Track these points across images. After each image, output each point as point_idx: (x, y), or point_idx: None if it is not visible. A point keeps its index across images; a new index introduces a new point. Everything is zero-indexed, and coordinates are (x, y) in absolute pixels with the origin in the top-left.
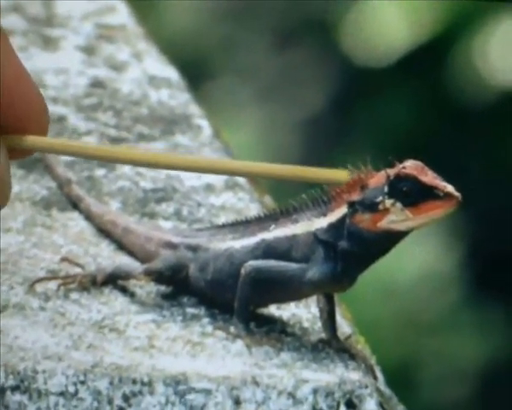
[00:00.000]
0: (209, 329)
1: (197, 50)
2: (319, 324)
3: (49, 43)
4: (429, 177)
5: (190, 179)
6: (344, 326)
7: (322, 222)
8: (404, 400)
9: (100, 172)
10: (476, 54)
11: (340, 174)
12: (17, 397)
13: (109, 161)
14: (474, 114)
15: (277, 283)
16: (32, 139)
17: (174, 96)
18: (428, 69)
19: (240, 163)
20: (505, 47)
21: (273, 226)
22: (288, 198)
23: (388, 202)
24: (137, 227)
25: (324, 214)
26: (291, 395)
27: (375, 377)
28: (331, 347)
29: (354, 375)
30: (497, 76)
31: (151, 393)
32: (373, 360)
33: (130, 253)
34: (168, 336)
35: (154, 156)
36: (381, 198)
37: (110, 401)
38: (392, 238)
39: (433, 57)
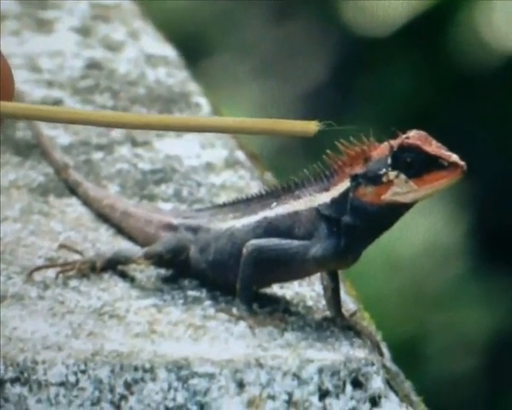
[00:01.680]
0: (211, 311)
1: (194, 27)
2: (323, 302)
3: (43, 26)
4: (433, 147)
5: (190, 159)
6: (349, 303)
7: (324, 197)
8: (411, 375)
9: (97, 155)
10: (479, 19)
11: (310, 125)
12: (17, 389)
13: (80, 123)
14: (478, 81)
15: (280, 261)
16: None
17: (172, 74)
18: (431, 37)
19: (210, 120)
20: (509, 11)
21: (275, 204)
22: (289, 174)
23: (392, 174)
24: (136, 210)
25: (327, 189)
26: (296, 376)
27: (381, 354)
28: (336, 325)
29: (360, 353)
30: (502, 41)
31: (153, 379)
32: (379, 337)
33: (130, 237)
34: (169, 320)
35: (113, 116)
36: (384, 170)
37: (112, 390)
38: (396, 211)
39: (436, 24)
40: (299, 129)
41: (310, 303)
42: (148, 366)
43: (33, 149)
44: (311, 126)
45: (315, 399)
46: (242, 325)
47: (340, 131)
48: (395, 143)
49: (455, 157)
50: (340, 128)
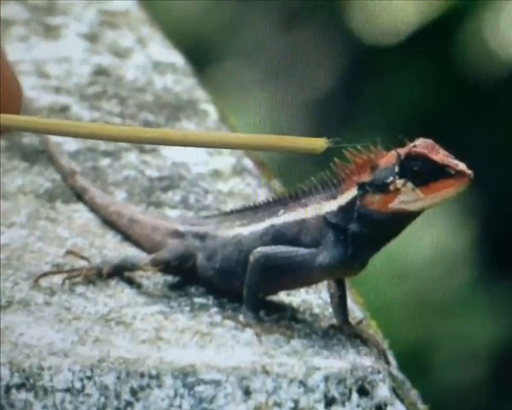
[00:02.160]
0: (218, 319)
1: (202, 34)
2: (330, 309)
3: (50, 32)
4: (440, 155)
5: (197, 166)
6: (355, 311)
7: (332, 205)
8: (418, 383)
9: (105, 161)
10: (486, 28)
11: (318, 142)
12: (23, 395)
13: (83, 137)
14: (485, 90)
15: (287, 269)
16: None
17: (179, 81)
18: (438, 45)
19: (214, 135)
20: None
21: (282, 211)
22: (296, 182)
23: (399, 183)
24: (143, 217)
25: (334, 197)
26: (302, 384)
27: (388, 362)
28: (342, 332)
29: (366, 361)
30: (508, 50)
31: (159, 386)
32: (385, 345)
33: (137, 243)
34: (176, 327)
35: (117, 130)
36: (391, 178)
37: (118, 396)
38: (403, 219)
39: (443, 33)
40: (306, 146)
41: (316, 311)
42: (154, 372)
43: (40, 155)
44: (319, 143)
45: (321, 406)
46: (249, 332)
47: (347, 140)
48: (402, 151)
49: (462, 166)
50: (349, 145)
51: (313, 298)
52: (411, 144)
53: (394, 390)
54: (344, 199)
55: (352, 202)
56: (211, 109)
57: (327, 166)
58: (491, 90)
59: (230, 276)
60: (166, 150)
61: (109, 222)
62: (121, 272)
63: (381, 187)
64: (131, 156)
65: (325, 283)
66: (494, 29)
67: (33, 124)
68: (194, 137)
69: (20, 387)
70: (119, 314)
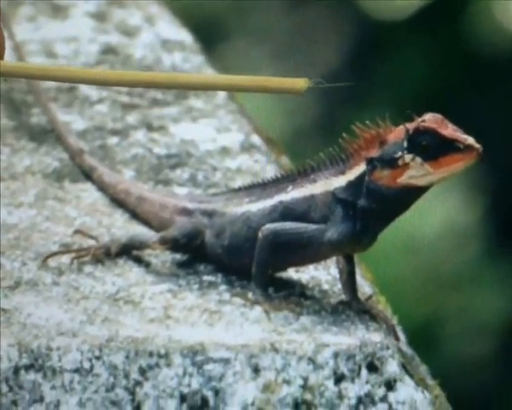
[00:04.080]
0: (226, 296)
1: (210, 12)
2: (339, 285)
3: (58, 12)
4: (449, 130)
5: (205, 143)
6: (364, 287)
7: (340, 181)
8: (427, 358)
9: (113, 140)
10: (495, 4)
11: (300, 83)
12: (31, 376)
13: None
14: (493, 65)
15: (296, 245)
16: None
17: (188, 59)
18: (447, 21)
19: (200, 76)
20: None
21: (290, 187)
22: (305, 158)
23: (408, 157)
24: (152, 195)
25: (343, 173)
26: (311, 361)
27: (397, 338)
28: (351, 308)
29: (375, 336)
30: None
31: (168, 365)
32: (394, 320)
33: (145, 222)
34: (185, 305)
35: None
36: (400, 153)
37: (126, 376)
38: (412, 194)
39: (451, 8)
40: (288, 86)
41: (325, 287)
42: (162, 351)
43: (48, 135)
44: (301, 83)
45: (330, 383)
46: (258, 309)
47: (356, 115)
48: (411, 126)
49: (471, 140)
50: (330, 86)
51: (322, 274)
52: (420, 119)
53: (403, 366)
54: (352, 174)
55: (361, 177)
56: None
57: (335, 142)
58: (499, 66)
59: (239, 253)
60: (174, 128)
61: (117, 201)
62: (129, 250)
63: (390, 162)
64: (139, 134)
65: (334, 259)
66: (502, 4)
67: (28, 70)
68: (180, 78)
69: (28, 368)
70: (128, 293)
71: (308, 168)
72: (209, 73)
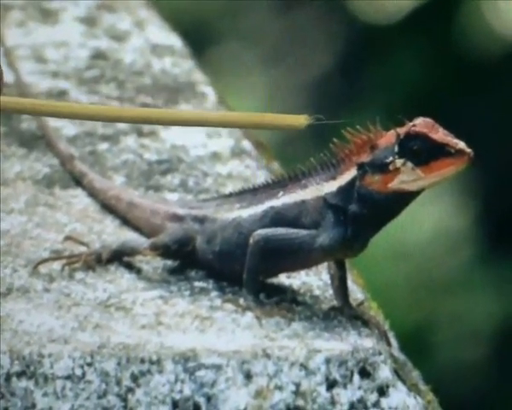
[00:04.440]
0: (218, 302)
1: (200, 16)
2: (330, 291)
3: (48, 17)
4: (440, 134)
5: (196, 149)
6: (356, 292)
7: (331, 186)
8: (419, 364)
9: (103, 146)
10: (486, 6)
11: (300, 119)
12: (23, 383)
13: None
14: (485, 68)
15: (287, 251)
16: None
17: (177, 63)
18: (438, 24)
19: (199, 114)
20: None
21: (281, 193)
22: (296, 163)
23: (399, 162)
24: (142, 201)
25: (334, 178)
26: (303, 366)
27: (389, 343)
28: (343, 314)
29: (367, 342)
30: (509, 28)
31: (160, 371)
32: (386, 326)
33: (136, 228)
34: (176, 311)
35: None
36: (391, 158)
37: (118, 382)
38: (403, 199)
39: (443, 11)
40: (288, 123)
41: (317, 293)
42: (154, 358)
43: (38, 141)
44: (301, 120)
45: (322, 389)
46: (249, 315)
47: (347, 119)
48: (402, 130)
49: (462, 144)
50: (330, 122)
51: (313, 280)
52: (411, 124)
53: (396, 371)
54: (343, 180)
55: (352, 182)
56: (209, 91)
57: (326, 147)
58: (491, 69)
59: (230, 259)
60: (165, 133)
61: (108, 207)
62: (120, 257)
63: (381, 167)
64: (130, 140)
65: (325, 264)
66: (494, 6)
67: (30, 106)
68: (182, 116)
69: (20, 375)
70: (119, 300)
71: (299, 174)
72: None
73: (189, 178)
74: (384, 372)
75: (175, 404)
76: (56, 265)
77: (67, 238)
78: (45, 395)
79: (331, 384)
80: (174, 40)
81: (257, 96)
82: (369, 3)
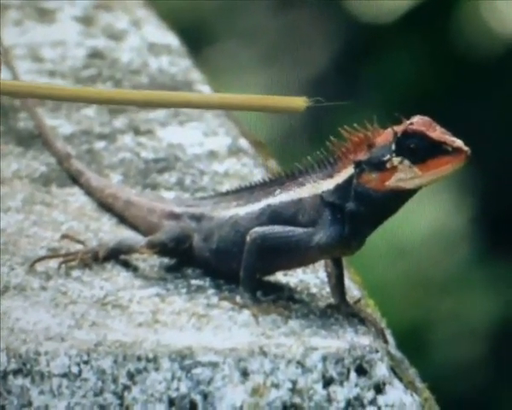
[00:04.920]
0: (214, 300)
1: (197, 15)
2: (327, 289)
3: (45, 16)
4: (437, 132)
5: (192, 147)
6: (353, 290)
7: (328, 184)
8: (416, 362)
9: (100, 144)
10: (483, 5)
11: (299, 101)
12: (19, 381)
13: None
14: (482, 67)
15: (284, 249)
16: None
17: (175, 62)
18: (435, 23)
19: (198, 96)
20: None
21: (278, 191)
22: (293, 161)
23: (396, 160)
24: (139, 199)
25: (331, 176)
26: (300, 364)
27: (386, 341)
28: (340, 312)
29: (364, 340)
30: (505, 27)
31: (156, 369)
32: (383, 324)
33: (133, 226)
34: (173, 309)
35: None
36: (388, 156)
37: (115, 380)
38: (400, 197)
39: (440, 10)
40: (287, 105)
41: (314, 290)
42: (151, 355)
43: (35, 139)
44: (300, 102)
45: (319, 387)
46: (246, 313)
47: (343, 118)
48: (399, 129)
49: (459, 142)
50: (329, 104)
51: (310, 278)
52: (408, 122)
53: (392, 369)
54: (341, 177)
55: (349, 180)
56: (206, 90)
57: (323, 145)
58: (487, 67)
59: (227, 257)
60: (162, 132)
61: (105, 205)
62: (117, 255)
63: (378, 165)
64: (127, 138)
65: (322, 262)
66: (490, 5)
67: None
68: (176, 97)
69: (16, 373)
70: (116, 298)
71: (296, 171)
72: (206, 91)
73: (186, 176)
74: (381, 370)
75: (171, 402)
76: (53, 263)
77: (64, 236)
78: (42, 392)
79: (328, 382)
80: (171, 39)
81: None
82: (366, 3)
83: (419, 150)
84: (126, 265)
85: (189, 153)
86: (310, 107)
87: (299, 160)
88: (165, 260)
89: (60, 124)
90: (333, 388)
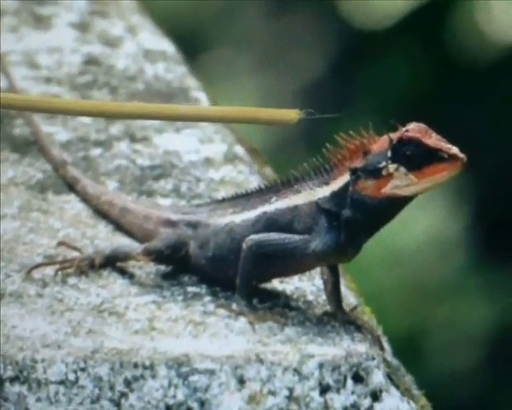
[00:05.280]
0: (211, 307)
1: (192, 21)
2: (324, 296)
3: (41, 22)
4: (433, 139)
5: (188, 154)
6: (349, 297)
7: (324, 191)
8: (412, 369)
9: (96, 151)
10: (479, 12)
11: (291, 114)
12: (16, 388)
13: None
14: (477, 73)
15: (280, 256)
16: None
17: (170, 69)
18: (430, 29)
19: (191, 109)
20: (508, 4)
21: (274, 198)
22: (289, 168)
23: (392, 167)
24: (135, 206)
25: (327, 183)
26: (296, 371)
27: (382, 348)
28: (337, 319)
29: (361, 347)
30: (501, 33)
31: (153, 376)
32: (379, 331)
33: (129, 233)
34: (169, 316)
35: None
36: (384, 163)
37: (111, 387)
38: (396, 204)
39: (435, 17)
40: (280, 117)
41: (310, 298)
42: (147, 363)
43: (31, 146)
44: (292, 115)
45: (316, 394)
46: (242, 320)
47: (339, 125)
48: (395, 136)
49: (455, 149)
50: (321, 117)
51: (307, 285)
52: (404, 129)
53: (389, 376)
54: (336, 185)
55: (345, 187)
56: (202, 97)
57: (319, 152)
58: (483, 74)
59: (223, 264)
60: (158, 139)
61: (101, 212)
62: (113, 262)
63: (374, 172)
64: (123, 145)
65: (318, 269)
66: (486, 12)
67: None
68: (170, 110)
69: (13, 380)
70: (112, 305)
71: (292, 179)
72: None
73: (182, 183)
74: (377, 377)
75: (168, 409)
76: (49, 270)
77: (60, 244)
78: (38, 400)
79: (324, 389)
80: (167, 46)
81: (249, 101)
82: (362, 8)
83: (415, 157)
84: (123, 272)
85: (185, 160)
86: (302, 119)
87: (295, 167)
88: (162, 268)
89: (56, 131)
90: (329, 395)
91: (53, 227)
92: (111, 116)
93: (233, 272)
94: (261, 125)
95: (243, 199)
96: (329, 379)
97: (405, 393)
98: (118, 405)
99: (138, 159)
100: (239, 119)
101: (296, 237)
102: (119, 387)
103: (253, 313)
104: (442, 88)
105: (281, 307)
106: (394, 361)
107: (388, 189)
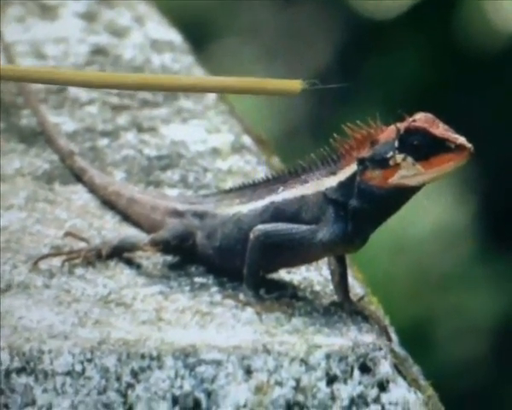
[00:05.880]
0: (218, 298)
1: (199, 11)
2: (331, 286)
3: (47, 12)
4: (440, 129)
5: (196, 144)
6: (356, 287)
7: (331, 181)
8: (419, 359)
9: (103, 141)
10: (486, 1)
11: (294, 84)
12: (23, 379)
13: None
14: (484, 64)
15: (287, 246)
16: None
17: (177, 59)
18: (437, 19)
19: (195, 79)
20: None
21: (281, 188)
22: (296, 159)
23: (399, 157)
24: (142, 197)
25: (334, 173)
26: (303, 362)
27: (389, 339)
28: (344, 309)
29: (368, 337)
30: (508, 23)
31: (160, 367)
32: (386, 321)
33: (136, 224)
34: (176, 307)
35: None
36: (391, 153)
37: (118, 378)
38: (403, 194)
39: (442, 7)
40: (283, 87)
41: (317, 288)
42: (154, 353)
43: (38, 137)
44: (296, 85)
45: (322, 384)
46: (249, 311)
47: (346, 115)
48: (402, 126)
49: (462, 139)
50: (325, 87)
51: (314, 275)
52: (411, 119)
53: (396, 367)
54: (344, 175)
55: (352, 177)
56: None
57: (326, 142)
58: (490, 64)
59: (230, 254)
60: (165, 129)
61: (108, 202)
62: (120, 252)
63: (381, 162)
64: (130, 136)
65: (326, 260)
66: (494, 3)
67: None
68: (173, 80)
69: (20, 371)
70: (119, 295)
71: (299, 169)
72: (201, 75)
73: (189, 173)
74: (384, 368)
75: (175, 400)
76: (56, 261)
77: (67, 234)
78: (45, 391)
79: (331, 380)
80: (174, 36)
81: None
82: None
83: (422, 147)
84: (129, 263)
85: (192, 150)
86: (305, 89)
87: (303, 157)
88: (169, 258)
89: (63, 121)
90: (336, 386)
91: (60, 218)
92: (113, 87)
93: (240, 263)
94: (269, 113)
95: (250, 189)
96: (336, 370)
97: (412, 383)
98: (124, 396)
99: (145, 149)
100: (242, 89)
101: (303, 227)
102: (126, 378)
103: (260, 303)
104: (449, 78)
105: (288, 298)
106: (401, 352)
107: (395, 179)
